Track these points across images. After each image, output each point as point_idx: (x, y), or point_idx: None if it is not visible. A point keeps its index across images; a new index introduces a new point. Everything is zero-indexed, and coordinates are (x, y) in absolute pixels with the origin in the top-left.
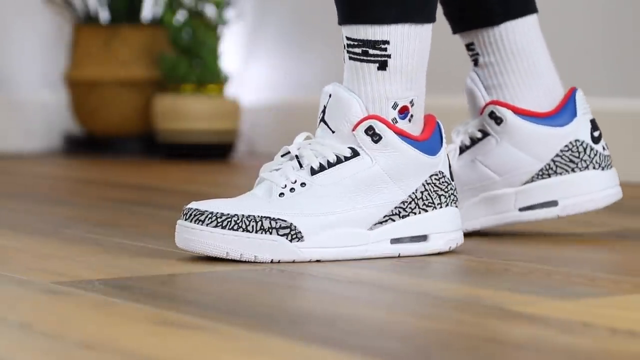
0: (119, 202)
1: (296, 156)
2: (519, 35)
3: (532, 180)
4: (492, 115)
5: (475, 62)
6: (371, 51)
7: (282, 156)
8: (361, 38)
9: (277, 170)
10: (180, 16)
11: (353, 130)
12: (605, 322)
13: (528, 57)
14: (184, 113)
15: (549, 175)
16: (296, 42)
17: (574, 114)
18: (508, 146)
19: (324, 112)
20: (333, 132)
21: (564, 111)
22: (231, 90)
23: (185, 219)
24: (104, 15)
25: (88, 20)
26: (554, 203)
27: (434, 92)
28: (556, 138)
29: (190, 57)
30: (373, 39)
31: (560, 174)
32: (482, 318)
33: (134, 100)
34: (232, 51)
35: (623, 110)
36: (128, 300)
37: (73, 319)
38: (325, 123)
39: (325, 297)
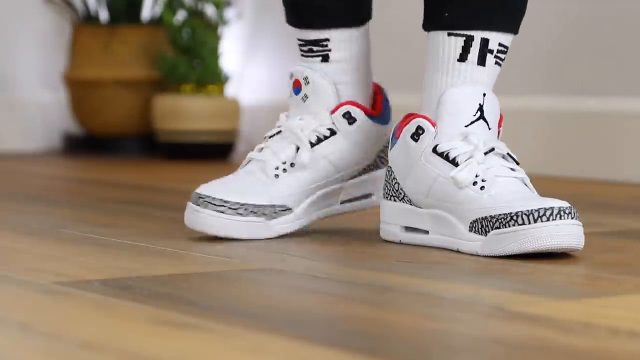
0: (119, 202)
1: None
2: (367, 37)
3: (358, 175)
4: (345, 115)
5: (325, 58)
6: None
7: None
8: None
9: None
10: (180, 16)
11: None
12: (606, 322)
13: (368, 57)
14: (184, 113)
15: (372, 170)
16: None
17: (390, 114)
18: (351, 144)
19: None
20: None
21: (385, 110)
22: (231, 90)
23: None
24: (104, 15)
25: (88, 20)
26: (369, 195)
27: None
28: (381, 137)
29: (190, 57)
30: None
31: (380, 169)
32: (482, 318)
33: (134, 100)
34: (232, 51)
35: (624, 111)
36: (128, 300)
37: (73, 319)
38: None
39: (325, 297)
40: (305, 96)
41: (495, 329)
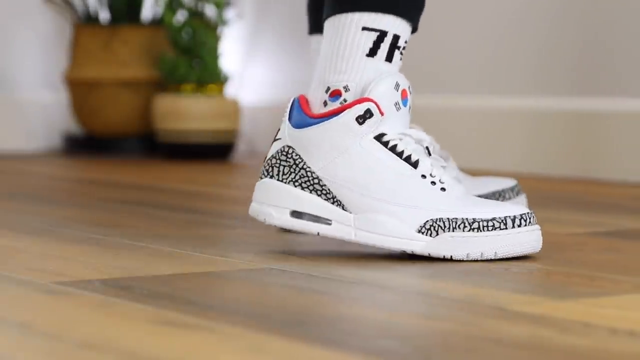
0: (119, 202)
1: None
2: None
3: None
4: None
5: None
6: None
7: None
8: None
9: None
10: (180, 16)
11: None
12: (605, 322)
13: None
14: (184, 113)
15: None
16: (296, 42)
17: None
18: None
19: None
20: None
21: None
22: (231, 90)
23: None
24: (104, 15)
25: (88, 20)
26: None
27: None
28: None
29: (190, 57)
30: None
31: None
32: (482, 318)
33: (134, 100)
34: (232, 51)
35: (623, 111)
36: (128, 300)
37: (73, 319)
38: None
39: (325, 297)
40: (410, 107)
41: (495, 329)
